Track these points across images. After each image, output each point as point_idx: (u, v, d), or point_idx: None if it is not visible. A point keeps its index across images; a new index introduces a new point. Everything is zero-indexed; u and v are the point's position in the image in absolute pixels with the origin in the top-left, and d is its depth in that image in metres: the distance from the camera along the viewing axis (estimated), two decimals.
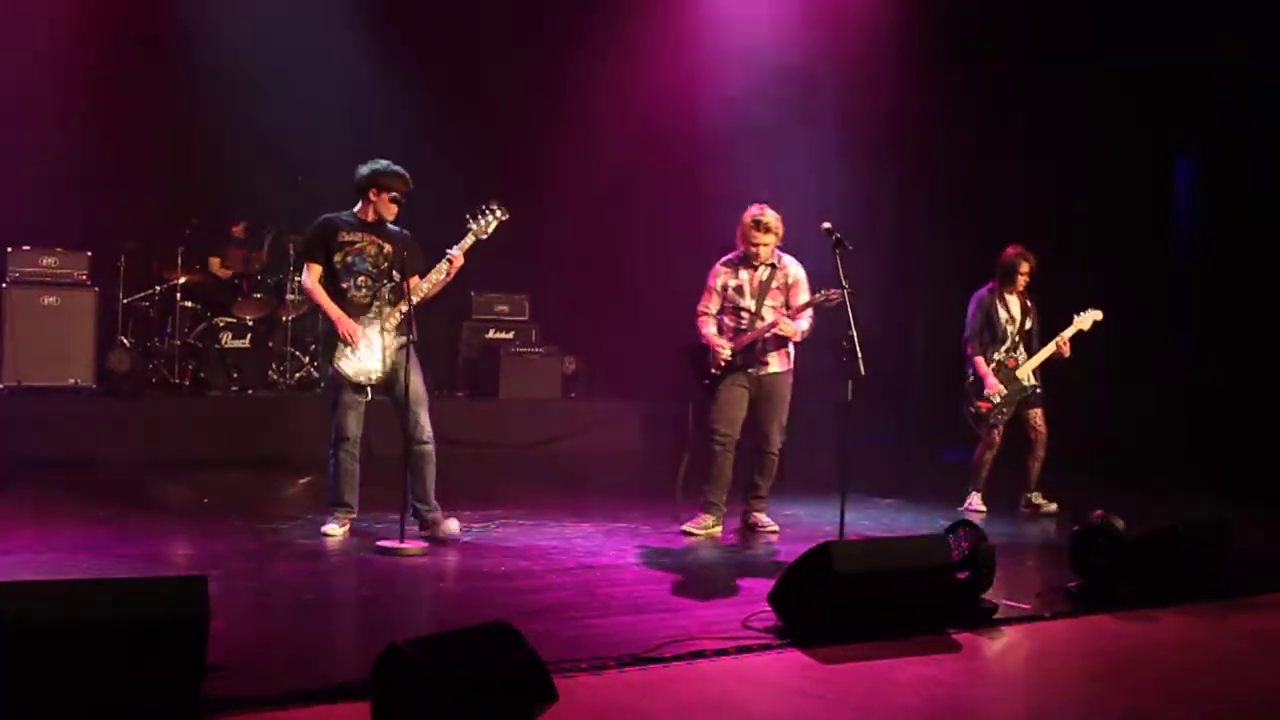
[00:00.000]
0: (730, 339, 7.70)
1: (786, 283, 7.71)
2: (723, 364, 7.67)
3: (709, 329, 7.78)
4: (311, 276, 7.14)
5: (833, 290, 7.25)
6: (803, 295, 7.68)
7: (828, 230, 7.16)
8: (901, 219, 12.59)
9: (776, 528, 7.91)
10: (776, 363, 7.74)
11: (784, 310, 7.65)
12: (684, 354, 7.96)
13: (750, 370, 7.69)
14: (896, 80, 12.30)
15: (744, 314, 7.70)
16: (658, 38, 12.83)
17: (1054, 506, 8.93)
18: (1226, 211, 11.50)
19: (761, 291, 7.68)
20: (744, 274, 7.72)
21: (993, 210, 11.95)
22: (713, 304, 7.79)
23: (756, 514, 7.95)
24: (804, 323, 7.64)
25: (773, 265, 7.69)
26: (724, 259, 7.80)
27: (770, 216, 7.60)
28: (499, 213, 7.21)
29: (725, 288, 7.74)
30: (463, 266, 7.15)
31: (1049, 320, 9.10)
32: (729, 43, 12.70)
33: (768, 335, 7.63)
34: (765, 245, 7.60)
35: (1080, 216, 11.70)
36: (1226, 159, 11.50)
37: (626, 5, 12.91)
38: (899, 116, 12.41)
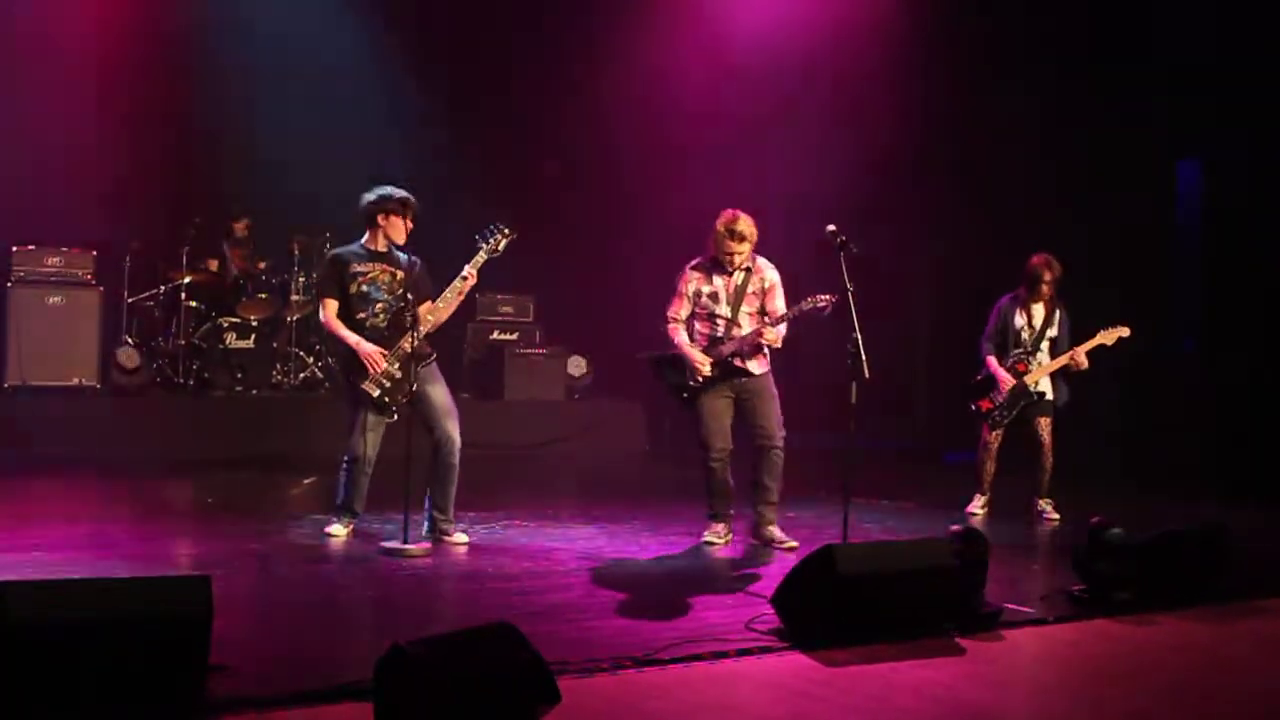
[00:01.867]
0: (704, 347, 7.37)
1: (763, 287, 7.39)
2: (702, 379, 7.33)
3: (682, 337, 7.41)
4: (328, 312, 7.14)
5: (820, 296, 7.03)
6: (779, 298, 7.38)
7: (832, 233, 7.06)
8: (904, 221, 12.58)
9: (795, 544, 7.36)
10: (756, 367, 7.41)
11: (760, 317, 7.36)
12: (653, 363, 7.58)
13: (731, 379, 7.37)
14: (899, 82, 12.30)
15: (720, 321, 7.36)
16: (662, 39, 12.85)
17: (1056, 517, 8.85)
18: (1230, 214, 11.50)
19: (738, 297, 7.36)
20: (718, 280, 7.36)
21: (996, 212, 11.95)
22: (683, 310, 7.42)
23: (770, 527, 7.44)
24: (782, 329, 7.31)
25: (747, 269, 7.38)
26: (694, 263, 7.44)
27: (744, 224, 7.24)
28: (508, 231, 7.21)
29: (699, 294, 7.38)
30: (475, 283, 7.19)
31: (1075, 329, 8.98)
32: (734, 43, 12.72)
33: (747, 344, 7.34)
34: (740, 254, 7.27)
35: (1084, 219, 11.71)
36: (1230, 163, 11.50)
37: (631, 6, 12.94)
38: (902, 118, 12.41)
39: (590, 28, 13.03)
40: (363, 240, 7.21)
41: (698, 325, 7.44)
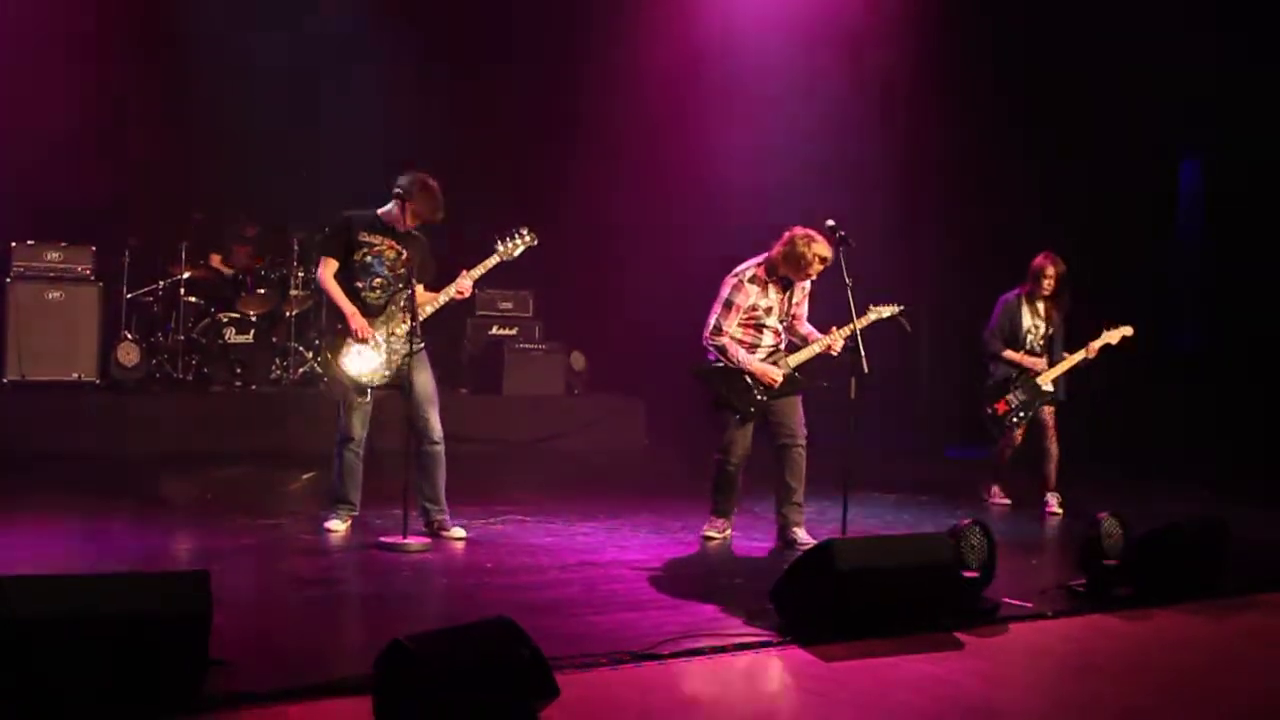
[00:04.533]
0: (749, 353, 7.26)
1: (804, 295, 7.44)
2: (773, 389, 7.20)
3: (743, 353, 7.21)
4: (327, 270, 7.11)
5: (884, 306, 7.19)
6: (805, 304, 7.47)
7: (832, 227, 7.09)
8: (906, 216, 12.58)
9: None
10: None
11: (802, 319, 7.43)
12: (707, 378, 7.31)
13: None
14: (903, 79, 12.30)
15: (768, 332, 7.28)
16: (664, 37, 12.84)
17: (1059, 512, 8.90)
18: (1231, 212, 11.51)
19: (786, 307, 7.35)
20: (774, 294, 7.25)
21: (998, 209, 11.96)
22: (735, 321, 7.24)
23: (796, 529, 7.28)
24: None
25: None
26: (749, 275, 7.24)
27: (829, 248, 7.13)
28: (529, 238, 7.20)
29: (754, 307, 7.22)
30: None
31: (1072, 328, 9.08)
32: (732, 42, 12.71)
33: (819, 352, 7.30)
34: (814, 276, 7.28)
35: (1085, 216, 11.71)
36: (1231, 161, 11.50)
37: (632, 4, 12.94)
38: (904, 116, 12.41)
39: (590, 27, 13.01)
40: (380, 210, 7.14)
41: (736, 334, 7.29)
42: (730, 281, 7.29)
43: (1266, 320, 11.05)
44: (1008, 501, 9.11)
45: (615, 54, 12.91)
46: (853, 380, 6.83)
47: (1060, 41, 11.84)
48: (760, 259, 7.30)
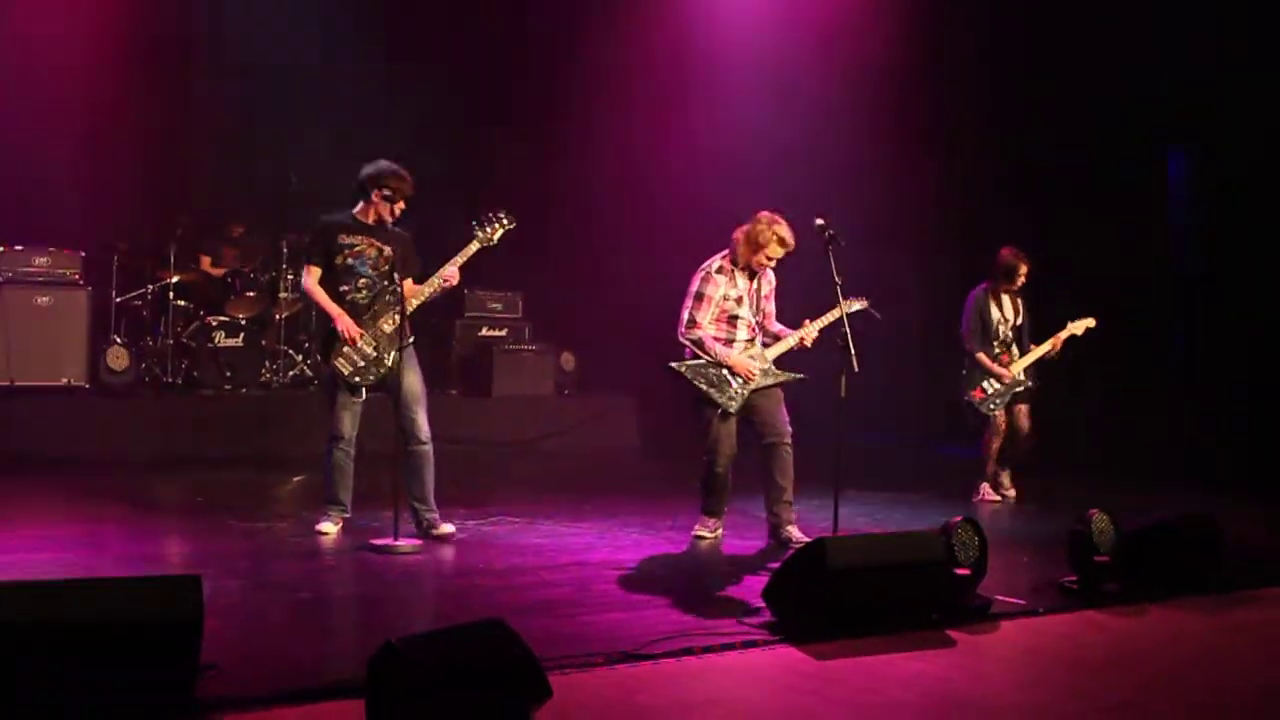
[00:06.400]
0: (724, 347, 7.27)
1: (771, 289, 7.47)
2: (750, 383, 7.20)
3: (719, 346, 7.22)
4: (311, 278, 7.12)
5: (852, 300, 7.17)
6: (772, 299, 7.49)
7: (821, 227, 7.08)
8: (894, 214, 12.58)
9: None
10: None
11: (771, 317, 7.45)
12: (687, 374, 7.25)
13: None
14: (896, 75, 12.31)
15: (741, 325, 7.29)
16: (657, 33, 12.85)
17: (1013, 493, 9.28)
18: (1222, 208, 11.51)
19: (756, 299, 7.39)
20: (742, 282, 7.29)
21: (989, 206, 11.97)
22: (709, 314, 7.27)
23: (789, 527, 7.28)
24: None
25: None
26: (715, 267, 7.29)
27: (791, 234, 7.19)
28: (506, 221, 7.19)
29: (725, 297, 7.25)
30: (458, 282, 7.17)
31: (1038, 319, 9.33)
32: (729, 43, 12.72)
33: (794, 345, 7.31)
34: (775, 260, 7.27)
35: (1075, 213, 11.72)
36: (1220, 155, 11.50)
37: (625, 4, 12.94)
38: (896, 111, 12.42)
39: (587, 25, 13.01)
40: (354, 210, 7.15)
41: (710, 329, 7.30)
42: (698, 275, 7.34)
43: (1258, 315, 11.06)
44: (999, 499, 9.21)
45: (600, 52, 12.90)
46: (843, 379, 6.84)
47: (1050, 34, 11.84)
48: (724, 251, 7.37)
